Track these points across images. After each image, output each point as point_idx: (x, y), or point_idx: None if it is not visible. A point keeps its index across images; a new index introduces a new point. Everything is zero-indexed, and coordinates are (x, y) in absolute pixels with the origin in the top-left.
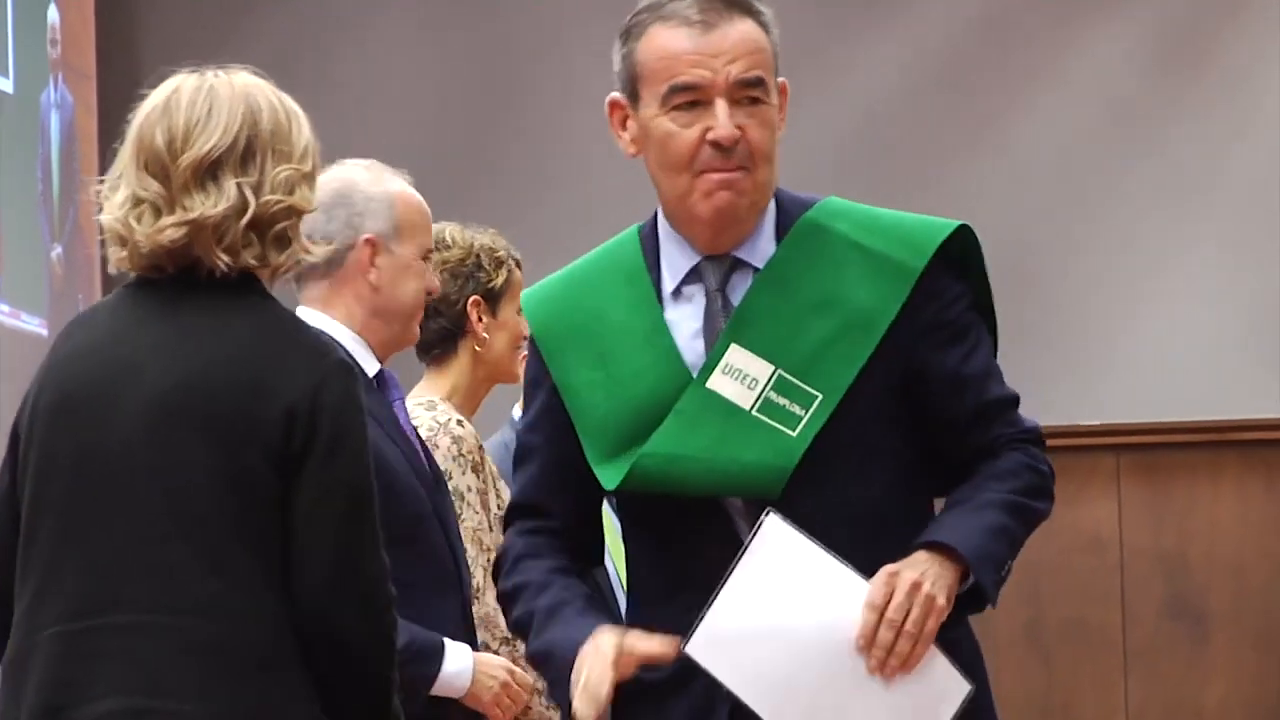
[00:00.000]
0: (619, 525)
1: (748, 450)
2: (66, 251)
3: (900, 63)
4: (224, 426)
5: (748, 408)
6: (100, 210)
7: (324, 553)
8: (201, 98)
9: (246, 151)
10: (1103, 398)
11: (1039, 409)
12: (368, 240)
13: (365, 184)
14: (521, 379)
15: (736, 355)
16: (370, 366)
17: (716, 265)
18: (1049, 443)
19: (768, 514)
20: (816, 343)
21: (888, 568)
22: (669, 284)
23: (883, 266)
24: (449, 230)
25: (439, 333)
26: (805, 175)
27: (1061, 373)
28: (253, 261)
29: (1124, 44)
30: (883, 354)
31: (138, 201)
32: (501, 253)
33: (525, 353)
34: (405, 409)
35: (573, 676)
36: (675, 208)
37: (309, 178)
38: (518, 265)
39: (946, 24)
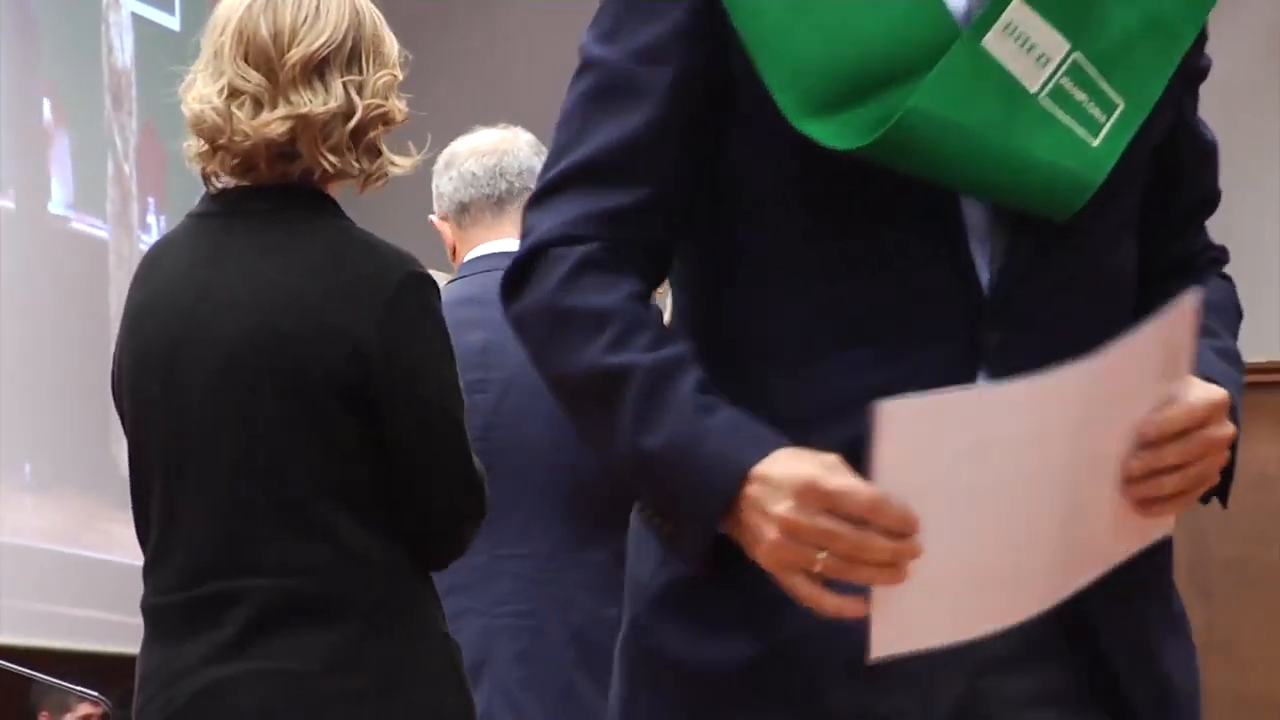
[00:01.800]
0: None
1: (1038, 145)
2: (138, 154)
3: None
4: (296, 374)
5: (1034, 90)
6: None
7: (433, 477)
8: None
9: (353, 51)
10: (1270, 333)
11: None
12: None
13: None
14: None
15: (1022, 14)
16: None
17: None
18: None
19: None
20: (1121, 33)
21: (1217, 393)
22: None
23: None
24: None
25: None
26: None
27: None
28: (355, 165)
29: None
30: (1173, 81)
31: (236, 92)
32: None
33: None
34: None
35: (758, 526)
36: None
37: (397, 87)
38: None
39: None
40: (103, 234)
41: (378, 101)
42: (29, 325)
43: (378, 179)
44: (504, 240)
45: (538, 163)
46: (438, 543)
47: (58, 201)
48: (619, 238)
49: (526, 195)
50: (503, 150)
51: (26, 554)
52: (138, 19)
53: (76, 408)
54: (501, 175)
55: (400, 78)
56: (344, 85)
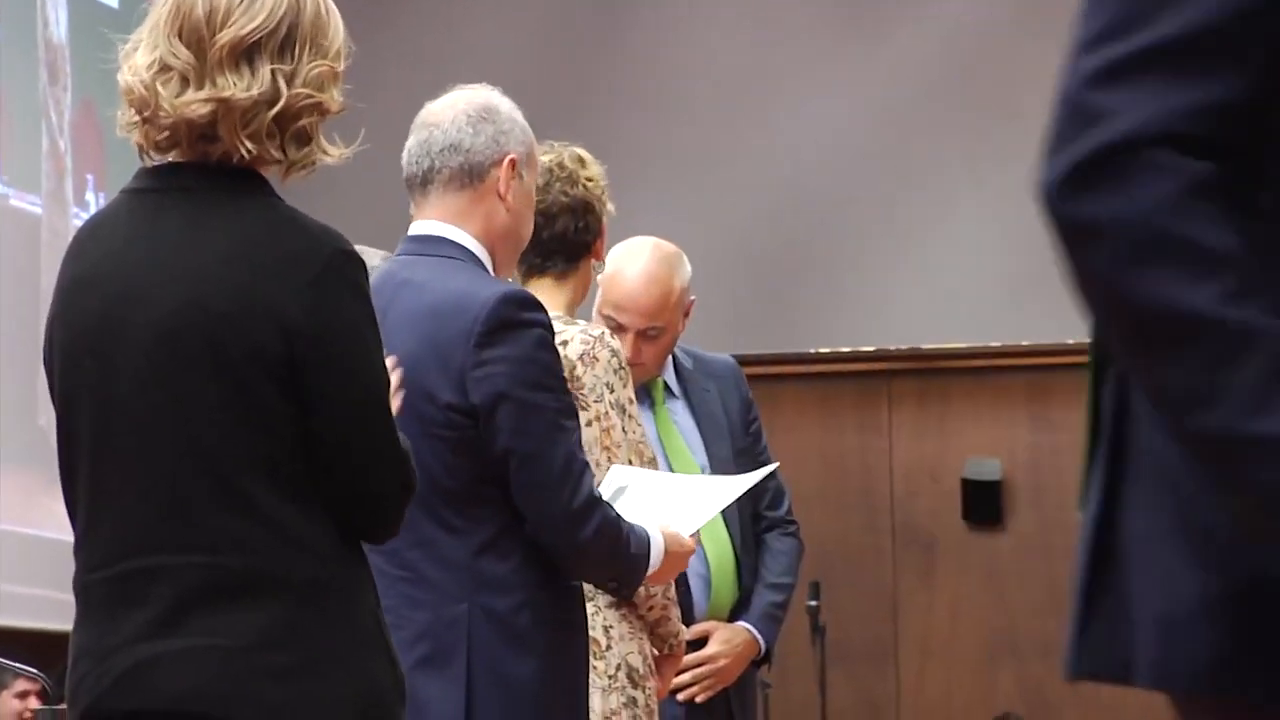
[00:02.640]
0: None
1: None
2: (75, 131)
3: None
4: (223, 351)
5: None
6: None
7: (354, 455)
8: None
9: (286, 39)
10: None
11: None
12: (511, 160)
13: (505, 107)
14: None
15: None
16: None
17: None
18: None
19: None
20: None
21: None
22: None
23: None
24: (584, 155)
25: (569, 251)
26: (906, 89)
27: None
28: (273, 154)
29: None
30: None
31: (165, 67)
32: (595, 188)
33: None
34: None
35: None
36: None
37: (338, 78)
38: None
39: None
40: (37, 210)
41: (308, 92)
42: None
43: (303, 167)
44: (426, 223)
45: (468, 135)
46: (367, 519)
47: None
48: (1229, 144)
49: (448, 172)
50: (432, 124)
51: None
52: None
53: (6, 383)
54: (427, 153)
55: (339, 70)
56: (272, 72)
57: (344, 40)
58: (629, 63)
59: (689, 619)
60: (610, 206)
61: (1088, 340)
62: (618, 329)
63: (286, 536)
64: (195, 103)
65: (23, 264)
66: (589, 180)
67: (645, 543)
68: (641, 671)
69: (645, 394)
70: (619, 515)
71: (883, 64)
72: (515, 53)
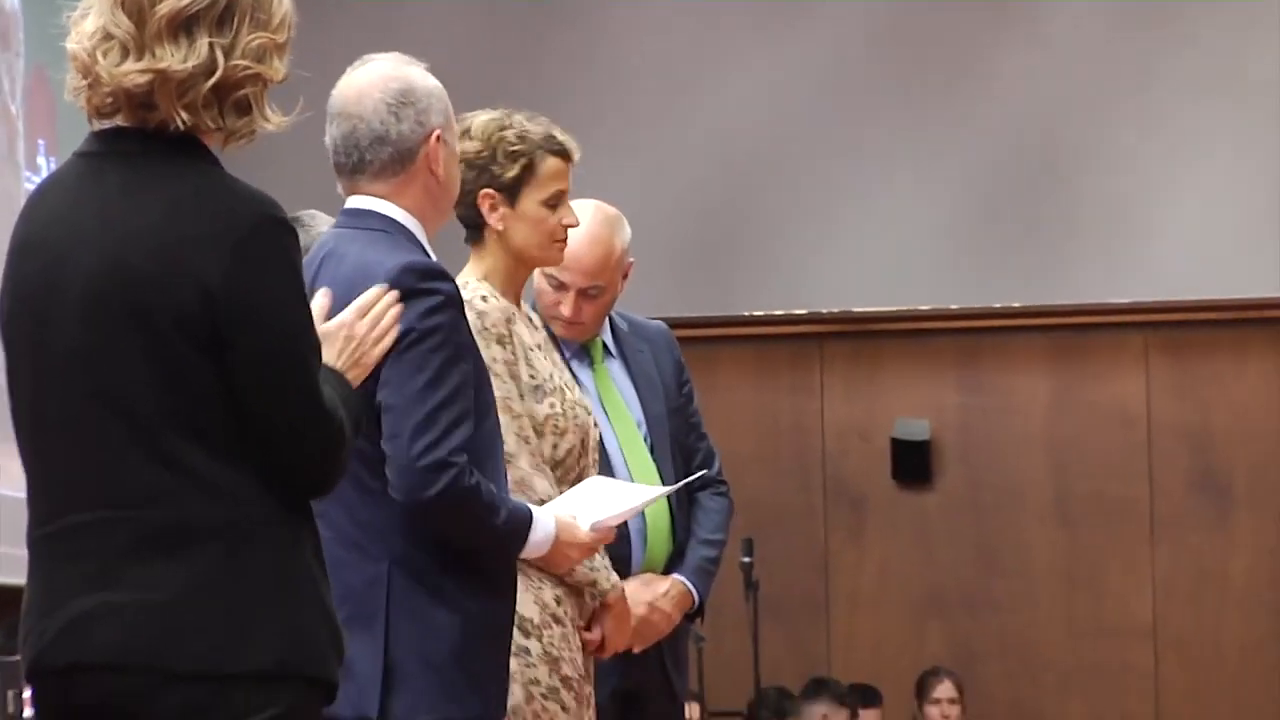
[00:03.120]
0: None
1: None
2: (28, 97)
3: None
4: (145, 312)
5: None
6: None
7: (276, 417)
8: None
9: (225, 12)
10: (1131, 278)
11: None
12: (436, 135)
13: (419, 79)
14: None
15: None
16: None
17: None
18: (1075, 320)
19: None
20: None
21: None
22: None
23: None
24: (475, 122)
25: (465, 220)
26: (839, 59)
27: (1092, 254)
28: (210, 123)
29: None
30: None
31: (107, 36)
32: (521, 145)
33: (560, 240)
34: None
35: None
36: None
37: (282, 49)
38: (560, 155)
39: None
40: None
41: (246, 64)
42: None
43: (242, 136)
44: (360, 198)
45: (393, 124)
46: (298, 475)
47: None
48: None
49: (379, 163)
50: (354, 116)
51: None
52: None
53: None
54: (355, 146)
55: (282, 41)
56: (210, 45)
57: (288, 11)
58: (577, 37)
59: (625, 571)
60: (512, 165)
61: (1016, 305)
62: (559, 287)
63: (214, 491)
64: (133, 73)
65: None
66: (462, 154)
67: (524, 522)
68: (537, 621)
69: (585, 353)
70: (487, 488)
71: (814, 40)
72: (466, 25)
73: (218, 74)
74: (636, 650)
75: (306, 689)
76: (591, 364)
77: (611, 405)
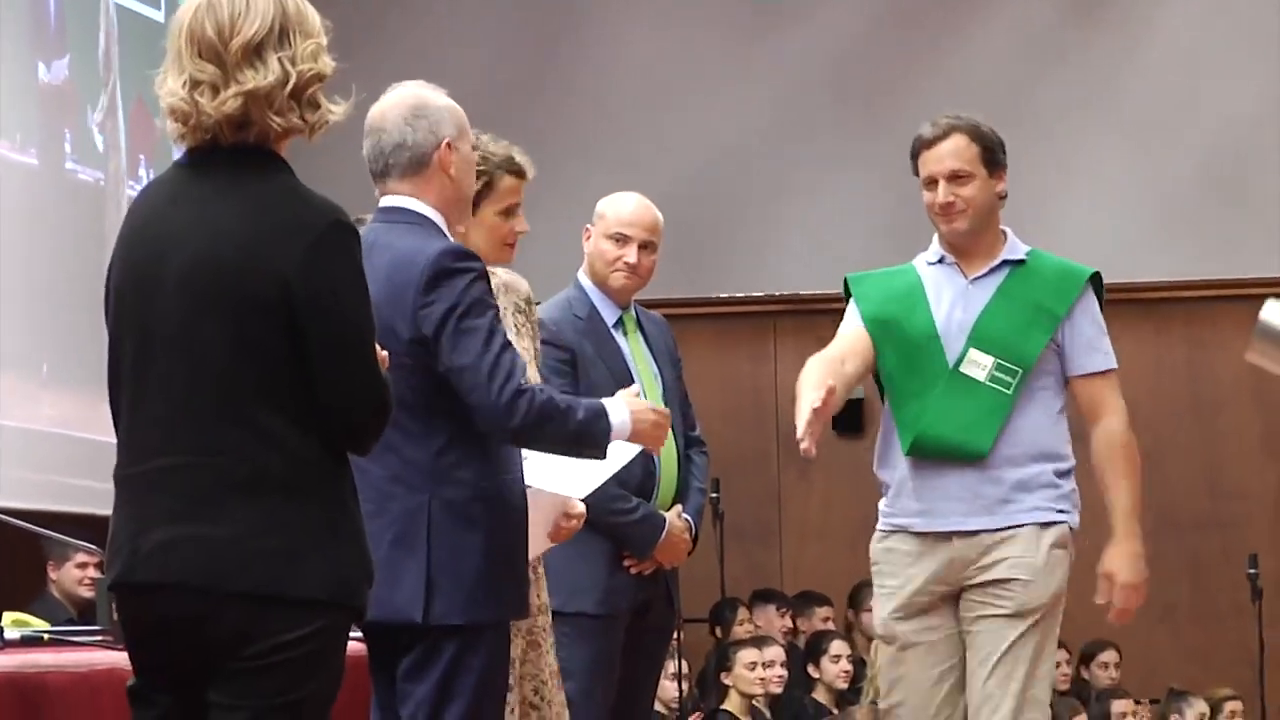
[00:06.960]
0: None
1: None
2: (131, 122)
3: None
4: (231, 296)
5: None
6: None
7: (338, 388)
8: None
9: (281, 31)
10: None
11: None
12: (447, 143)
13: (432, 98)
14: (503, 263)
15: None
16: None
17: None
18: None
19: None
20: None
21: None
22: None
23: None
24: None
25: None
26: (800, 94)
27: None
28: (297, 122)
29: None
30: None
31: (196, 83)
32: (483, 165)
33: (510, 244)
34: None
35: None
36: None
37: (324, 47)
38: (517, 175)
39: None
40: (101, 181)
41: (308, 65)
42: (41, 259)
43: (320, 126)
44: (391, 198)
45: (409, 133)
46: (349, 436)
47: (68, 158)
48: None
49: (401, 166)
50: (379, 129)
51: (39, 437)
52: (123, 10)
53: (85, 319)
54: (381, 154)
55: (323, 41)
56: (279, 60)
57: (317, 15)
58: (574, 57)
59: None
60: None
61: None
62: (621, 242)
63: (281, 447)
64: (229, 100)
65: (89, 227)
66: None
67: (598, 411)
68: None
69: (620, 325)
70: (556, 397)
71: (780, 56)
72: (483, 49)
73: (291, 81)
74: (648, 572)
75: (341, 613)
76: (625, 333)
77: (644, 368)
